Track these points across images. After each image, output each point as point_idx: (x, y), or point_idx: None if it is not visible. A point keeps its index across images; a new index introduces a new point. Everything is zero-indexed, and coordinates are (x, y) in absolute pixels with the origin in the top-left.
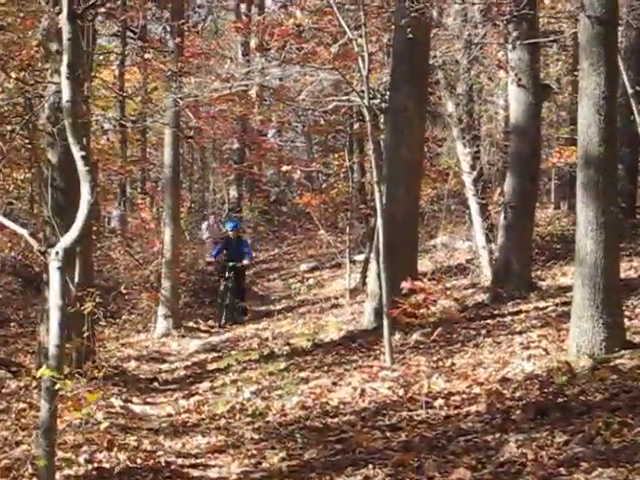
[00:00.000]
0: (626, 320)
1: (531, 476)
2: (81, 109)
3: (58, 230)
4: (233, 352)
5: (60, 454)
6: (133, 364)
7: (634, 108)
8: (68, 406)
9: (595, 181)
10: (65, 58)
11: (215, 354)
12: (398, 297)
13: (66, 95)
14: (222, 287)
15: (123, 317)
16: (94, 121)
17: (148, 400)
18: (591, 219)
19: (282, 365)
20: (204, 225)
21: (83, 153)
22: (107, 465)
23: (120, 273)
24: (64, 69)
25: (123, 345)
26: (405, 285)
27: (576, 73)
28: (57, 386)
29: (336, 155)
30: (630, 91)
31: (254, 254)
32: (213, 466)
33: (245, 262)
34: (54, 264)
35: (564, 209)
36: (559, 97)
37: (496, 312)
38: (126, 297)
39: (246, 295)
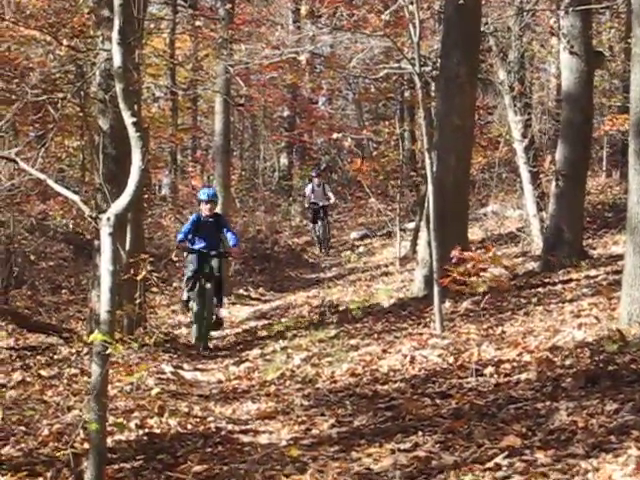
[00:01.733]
0: None
1: (581, 444)
2: (132, 76)
3: (109, 197)
4: (283, 319)
5: (111, 419)
6: (184, 331)
7: None
8: (120, 371)
9: None
10: (116, 24)
11: (265, 321)
12: (448, 265)
13: (117, 61)
14: (195, 289)
15: (174, 284)
16: (145, 89)
17: (198, 366)
18: None
19: (332, 332)
20: (308, 189)
21: (134, 119)
22: (158, 430)
23: (171, 240)
24: (115, 35)
25: (174, 312)
26: (454, 254)
27: (629, 40)
28: (108, 351)
29: (386, 123)
30: None
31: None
32: (263, 432)
33: (233, 250)
34: (105, 230)
35: (616, 177)
36: (612, 65)
37: (547, 280)
38: (177, 264)
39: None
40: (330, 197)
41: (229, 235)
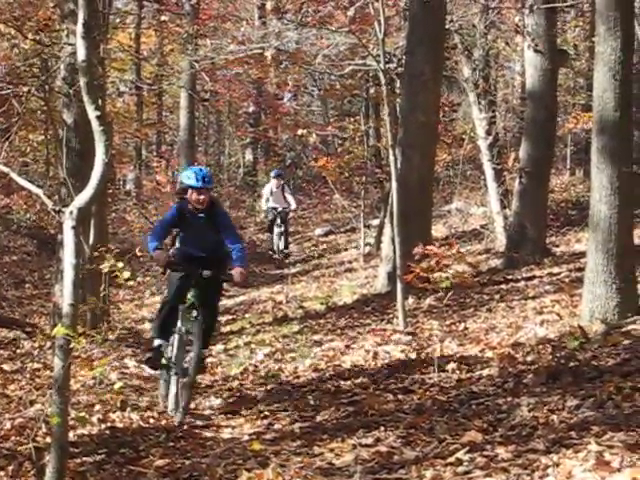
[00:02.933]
0: (639, 286)
1: (542, 439)
2: (97, 70)
3: (73, 191)
4: (247, 315)
5: (74, 413)
6: (147, 326)
7: None
8: (82, 365)
9: (610, 146)
10: (80, 17)
11: (229, 316)
12: (412, 262)
13: (81, 54)
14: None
15: (137, 279)
16: (110, 83)
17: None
18: (605, 184)
19: (295, 328)
20: (265, 190)
21: (98, 113)
22: (120, 425)
23: (135, 236)
24: (79, 28)
25: (137, 307)
26: (417, 250)
27: (593, 39)
28: (71, 345)
29: (352, 119)
30: None
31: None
32: (225, 427)
33: (236, 271)
34: (68, 223)
35: (579, 175)
36: (576, 63)
37: (510, 277)
38: (140, 260)
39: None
40: (291, 202)
41: (232, 245)
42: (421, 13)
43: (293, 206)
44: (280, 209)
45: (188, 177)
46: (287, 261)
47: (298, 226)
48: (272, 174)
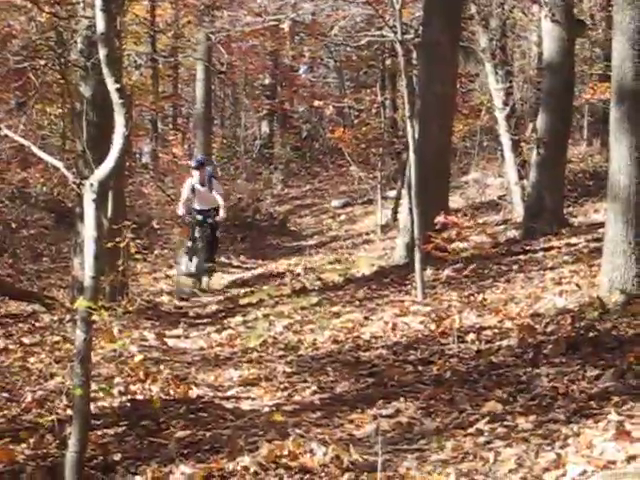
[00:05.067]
0: None
1: (562, 409)
2: (115, 42)
3: (92, 164)
4: (265, 287)
5: (94, 386)
6: (166, 298)
7: None
8: (103, 338)
9: (629, 116)
10: None
11: (247, 289)
12: (432, 231)
13: (100, 27)
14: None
15: (155, 252)
16: (126, 56)
17: (181, 334)
18: (624, 154)
19: (314, 300)
20: (186, 187)
21: (118, 85)
22: (141, 397)
23: (152, 208)
24: (98, 2)
25: (156, 280)
26: (439, 219)
27: (610, 9)
28: (93, 317)
29: (368, 91)
30: None
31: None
32: (245, 398)
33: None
34: (89, 196)
35: (597, 146)
36: (593, 33)
37: (528, 248)
38: (158, 232)
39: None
40: (219, 201)
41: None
42: None
43: (222, 213)
44: (207, 213)
45: (193, 163)
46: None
47: (315, 198)
48: (192, 163)
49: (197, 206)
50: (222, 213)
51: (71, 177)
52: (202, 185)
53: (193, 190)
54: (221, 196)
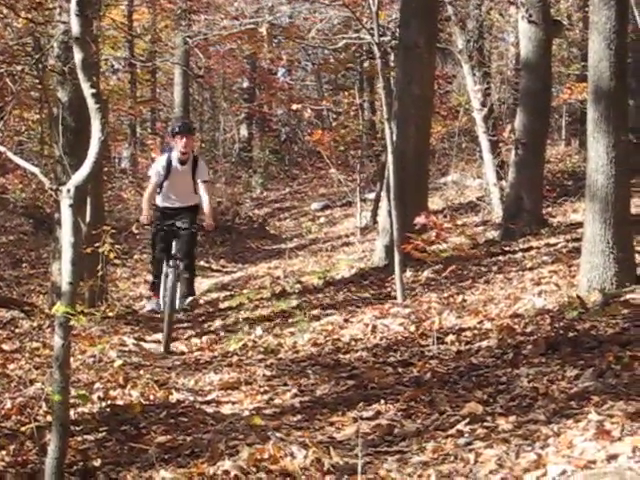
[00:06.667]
0: (637, 255)
1: (542, 410)
2: (91, 47)
3: (69, 169)
4: (245, 290)
5: (74, 392)
6: (145, 303)
7: None
8: (82, 343)
9: (606, 116)
10: None
11: (227, 293)
12: (410, 233)
13: (75, 32)
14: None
15: (135, 257)
16: (103, 61)
17: (161, 338)
18: (602, 154)
19: (294, 303)
20: (155, 168)
21: (93, 90)
22: (121, 402)
23: (131, 213)
24: (73, 6)
25: (135, 285)
26: (418, 220)
27: (587, 9)
28: (71, 322)
29: (346, 93)
30: None
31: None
32: (226, 402)
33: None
34: (66, 201)
35: (575, 146)
36: (570, 33)
37: (507, 249)
38: (137, 237)
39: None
40: (203, 197)
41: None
42: None
43: (206, 198)
44: (184, 213)
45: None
46: (283, 237)
47: (294, 201)
48: (171, 129)
49: (166, 201)
50: (209, 215)
51: (47, 183)
52: (182, 164)
53: (168, 172)
54: (207, 188)
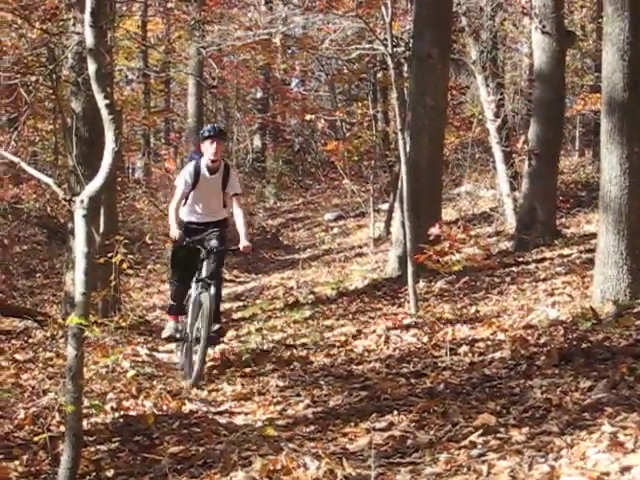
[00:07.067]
0: None
1: (555, 421)
2: (105, 58)
3: (83, 180)
4: (258, 301)
5: (87, 402)
6: (159, 313)
7: None
8: (95, 353)
9: (619, 127)
10: (88, 6)
11: (240, 303)
12: (424, 244)
13: (89, 43)
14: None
15: (148, 267)
16: (117, 71)
17: (174, 349)
18: (615, 165)
19: (307, 313)
20: (184, 176)
21: (107, 101)
22: (134, 413)
23: (145, 223)
24: (87, 17)
25: (148, 295)
26: (433, 231)
27: (601, 20)
28: (84, 333)
29: (360, 104)
30: None
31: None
32: (239, 413)
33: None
34: (79, 212)
35: (589, 157)
36: (583, 44)
37: (520, 259)
38: (151, 247)
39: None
40: (234, 207)
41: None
42: None
43: (241, 215)
44: (212, 229)
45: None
46: (297, 247)
47: (308, 211)
48: (201, 133)
49: (192, 215)
50: (245, 235)
51: (61, 193)
52: (212, 173)
53: (196, 181)
54: (240, 202)
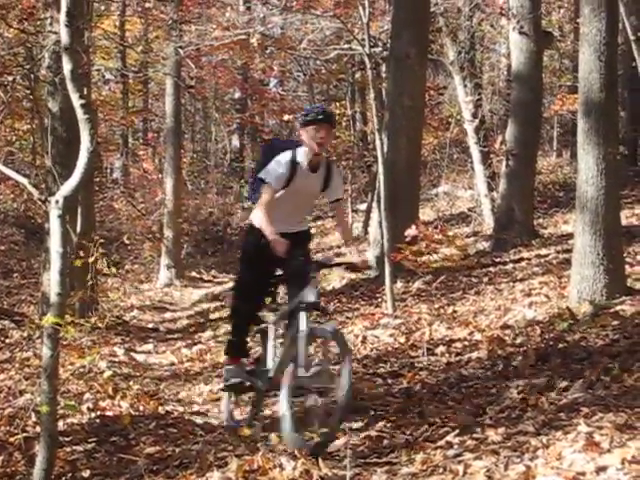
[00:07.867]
0: (627, 267)
1: (531, 421)
2: (81, 58)
3: (59, 179)
4: None
5: (63, 402)
6: (136, 314)
7: (636, 54)
8: (72, 354)
9: (596, 128)
10: (63, 5)
11: (217, 303)
12: (401, 244)
13: (65, 42)
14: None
15: (126, 267)
16: (95, 71)
17: (151, 349)
18: (592, 166)
19: None
20: (275, 173)
21: (82, 101)
22: (110, 413)
23: (123, 224)
24: (63, 17)
25: (126, 295)
26: (409, 232)
27: (578, 20)
28: (60, 333)
29: (338, 104)
30: (632, 37)
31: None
32: (216, 413)
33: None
34: (54, 212)
35: (566, 157)
36: (561, 45)
37: (498, 260)
38: (129, 247)
39: None
40: (337, 216)
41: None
42: None
43: (348, 233)
44: (300, 241)
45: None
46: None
47: None
48: (303, 118)
49: (275, 222)
50: (353, 247)
51: (36, 193)
52: (313, 170)
53: (290, 178)
54: (343, 209)
